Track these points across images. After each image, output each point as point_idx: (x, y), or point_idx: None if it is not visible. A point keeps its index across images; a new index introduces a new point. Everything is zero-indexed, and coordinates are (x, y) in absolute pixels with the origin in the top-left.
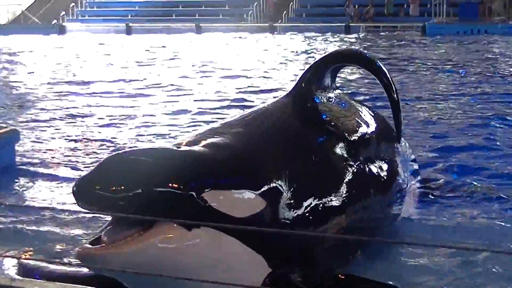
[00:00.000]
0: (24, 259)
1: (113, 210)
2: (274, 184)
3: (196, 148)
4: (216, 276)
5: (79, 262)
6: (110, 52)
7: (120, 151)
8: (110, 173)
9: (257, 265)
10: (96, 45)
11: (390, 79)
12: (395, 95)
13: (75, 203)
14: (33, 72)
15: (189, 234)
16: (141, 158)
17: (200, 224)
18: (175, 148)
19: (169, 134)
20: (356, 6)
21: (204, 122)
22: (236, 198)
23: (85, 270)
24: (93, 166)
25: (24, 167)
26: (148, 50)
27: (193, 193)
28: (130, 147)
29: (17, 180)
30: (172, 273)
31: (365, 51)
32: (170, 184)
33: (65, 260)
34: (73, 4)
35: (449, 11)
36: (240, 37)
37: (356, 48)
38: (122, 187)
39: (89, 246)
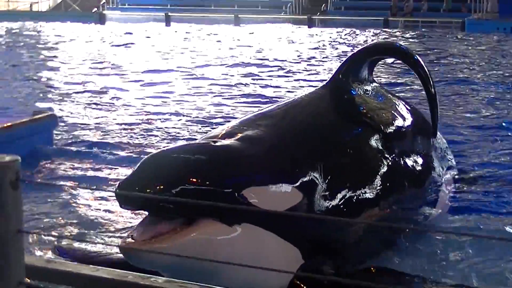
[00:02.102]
0: (58, 240)
1: (156, 210)
2: (310, 177)
3: (232, 143)
4: (252, 271)
5: (112, 245)
6: (149, 41)
7: (158, 151)
8: (150, 174)
9: (292, 257)
10: (135, 34)
11: (427, 72)
12: (432, 89)
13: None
14: (72, 60)
15: (229, 229)
16: (179, 157)
17: (239, 220)
18: (211, 144)
19: (211, 123)
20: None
21: (242, 112)
22: (274, 193)
23: (117, 254)
24: (133, 167)
25: (61, 151)
26: (187, 40)
27: (233, 191)
28: (168, 145)
29: (54, 164)
30: (212, 268)
31: (403, 45)
32: (210, 184)
33: (98, 240)
34: None
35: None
36: (278, 29)
37: (394, 41)
38: (164, 188)
39: (132, 240)
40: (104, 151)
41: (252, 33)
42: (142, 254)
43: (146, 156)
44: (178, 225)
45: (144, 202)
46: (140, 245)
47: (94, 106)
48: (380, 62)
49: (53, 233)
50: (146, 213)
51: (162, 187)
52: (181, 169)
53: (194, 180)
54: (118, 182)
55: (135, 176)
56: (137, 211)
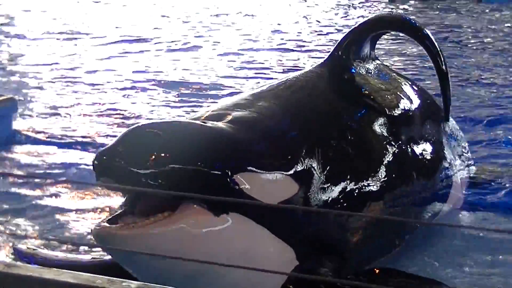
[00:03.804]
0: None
1: (135, 186)
2: (307, 167)
3: (223, 124)
4: (240, 271)
5: (90, 243)
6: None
7: (143, 123)
8: (133, 146)
9: (285, 257)
10: None
11: (438, 48)
12: (444, 67)
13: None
14: (33, 29)
15: (216, 219)
16: (167, 132)
17: (227, 209)
18: (200, 123)
19: (199, 98)
20: None
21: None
22: (268, 182)
23: (84, 257)
24: (111, 139)
25: (22, 138)
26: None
27: (223, 175)
28: (149, 120)
29: (13, 153)
30: (194, 265)
31: (410, 17)
32: (199, 162)
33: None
34: None
35: None
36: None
37: (400, 13)
38: (147, 162)
39: (108, 225)
40: (70, 138)
41: None
42: (115, 241)
43: (129, 128)
44: (160, 209)
45: (120, 179)
46: (116, 230)
47: (60, 85)
48: (384, 37)
49: (12, 232)
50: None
51: (144, 164)
52: (167, 145)
53: (182, 158)
54: (98, 151)
55: (113, 150)
56: (113, 188)
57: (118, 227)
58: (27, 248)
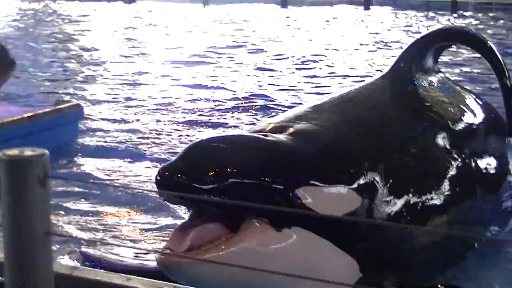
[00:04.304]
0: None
1: (199, 205)
2: (370, 180)
3: (284, 137)
4: (304, 282)
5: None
6: (184, 23)
7: (205, 138)
8: (196, 161)
9: (348, 269)
10: (168, 15)
11: (502, 62)
12: (508, 82)
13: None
14: (99, 43)
15: (279, 235)
16: (229, 147)
17: (290, 223)
18: (262, 136)
19: (253, 111)
20: None
21: (291, 99)
22: (330, 195)
23: (148, 262)
24: (175, 153)
25: (86, 143)
26: (226, 23)
27: (286, 189)
28: (211, 134)
29: (80, 159)
30: (256, 278)
31: (473, 30)
32: (261, 177)
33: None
34: None
35: None
36: (327, 13)
37: (463, 25)
38: (209, 177)
39: (172, 253)
40: (135, 145)
41: (300, 15)
42: (184, 268)
43: (191, 142)
44: (221, 228)
45: (186, 192)
46: (180, 259)
47: (123, 94)
48: (446, 50)
49: (84, 236)
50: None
51: (206, 177)
52: (228, 159)
53: (244, 173)
54: (160, 167)
55: (176, 163)
56: (176, 205)
57: (183, 254)
58: (94, 252)
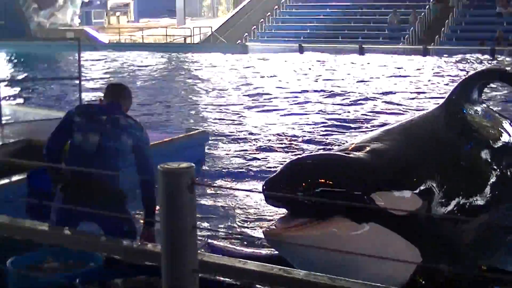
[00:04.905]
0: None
1: (297, 207)
2: (428, 186)
3: (362, 154)
4: (376, 266)
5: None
6: (284, 68)
7: (300, 157)
8: (294, 175)
9: (412, 255)
10: (273, 61)
11: None
12: None
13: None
14: (220, 84)
15: (359, 227)
16: (319, 163)
17: (367, 220)
18: (344, 154)
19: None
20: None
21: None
22: (398, 197)
23: (260, 251)
24: (277, 169)
25: (212, 163)
26: (318, 67)
27: (362, 194)
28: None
29: (206, 168)
30: (339, 260)
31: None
32: (344, 187)
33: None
34: (254, 27)
35: None
36: (395, 59)
37: (503, 67)
38: (305, 189)
39: (274, 227)
40: (252, 162)
41: (374, 61)
42: (282, 239)
43: (289, 160)
44: (314, 220)
45: (286, 199)
46: (282, 231)
47: (240, 123)
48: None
49: (220, 230)
50: (286, 211)
51: (303, 187)
52: (320, 174)
53: (331, 183)
54: (265, 181)
55: (279, 176)
56: (280, 207)
57: (283, 229)
58: (218, 243)
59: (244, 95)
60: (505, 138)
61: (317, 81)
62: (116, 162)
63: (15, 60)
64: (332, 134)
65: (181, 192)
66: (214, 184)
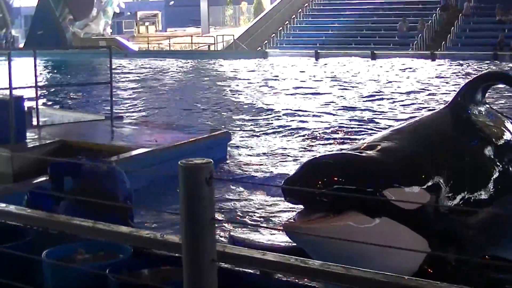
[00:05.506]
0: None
1: (315, 203)
2: (435, 182)
3: (374, 153)
4: (387, 256)
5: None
6: (301, 73)
7: (317, 156)
8: (311, 174)
9: (421, 246)
10: (291, 66)
11: None
12: None
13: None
14: (241, 87)
15: (371, 221)
16: (334, 162)
17: (379, 214)
18: (358, 153)
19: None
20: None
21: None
22: (407, 193)
23: (279, 243)
24: (295, 168)
25: (234, 161)
26: (333, 72)
27: (375, 191)
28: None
29: (227, 165)
30: (354, 250)
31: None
32: (358, 184)
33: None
34: (273, 34)
35: None
36: (404, 64)
37: (504, 70)
38: (321, 186)
39: (293, 221)
40: (270, 160)
41: (387, 66)
42: (301, 232)
43: (307, 159)
44: (330, 214)
45: (304, 196)
46: (300, 223)
47: (259, 125)
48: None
49: (239, 222)
50: (303, 207)
51: (319, 184)
52: (335, 171)
53: (345, 180)
54: (284, 179)
55: (298, 175)
56: (297, 204)
57: (301, 222)
58: (238, 235)
59: (263, 98)
60: (507, 136)
61: (331, 85)
62: None
63: (52, 67)
64: (347, 134)
65: (200, 185)
66: (231, 178)
